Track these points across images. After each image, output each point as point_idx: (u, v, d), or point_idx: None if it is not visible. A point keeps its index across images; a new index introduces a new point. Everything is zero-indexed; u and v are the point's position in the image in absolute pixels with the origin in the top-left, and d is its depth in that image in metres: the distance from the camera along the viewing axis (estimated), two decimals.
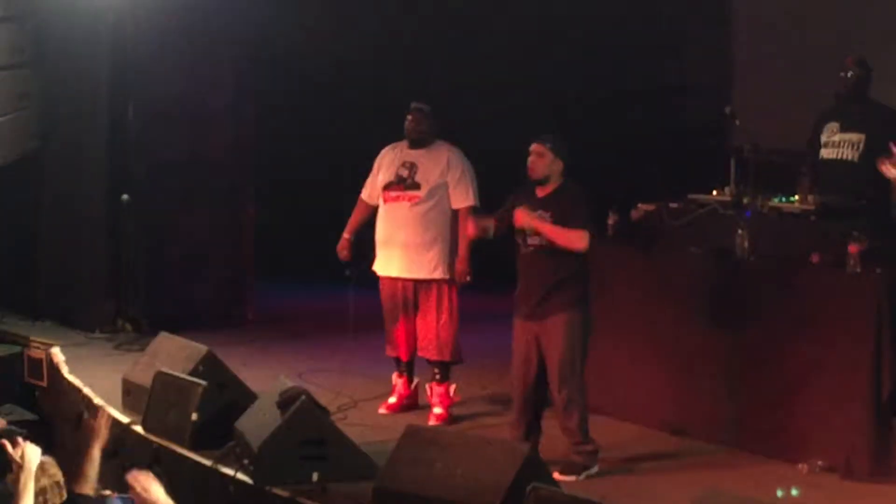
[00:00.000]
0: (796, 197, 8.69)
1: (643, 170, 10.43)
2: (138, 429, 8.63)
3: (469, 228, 8.37)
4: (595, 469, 7.94)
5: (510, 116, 12.32)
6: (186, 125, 11.39)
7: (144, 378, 8.89)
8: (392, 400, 9.32)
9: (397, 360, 9.29)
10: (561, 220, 7.87)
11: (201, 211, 11.49)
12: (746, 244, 8.41)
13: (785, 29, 11.15)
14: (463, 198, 9.00)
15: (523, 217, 7.91)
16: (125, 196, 11.09)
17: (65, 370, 9.99)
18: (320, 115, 13.29)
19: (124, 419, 8.82)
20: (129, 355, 10.16)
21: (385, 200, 9.17)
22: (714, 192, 8.89)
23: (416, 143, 9.11)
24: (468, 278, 8.97)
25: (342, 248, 9.33)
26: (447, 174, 9.01)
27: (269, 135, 12.33)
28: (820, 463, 7.89)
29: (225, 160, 11.54)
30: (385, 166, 9.20)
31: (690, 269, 8.69)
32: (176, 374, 8.66)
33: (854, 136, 9.10)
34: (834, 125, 9.21)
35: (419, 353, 9.22)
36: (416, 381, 9.35)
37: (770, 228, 8.49)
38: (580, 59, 12.61)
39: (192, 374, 8.65)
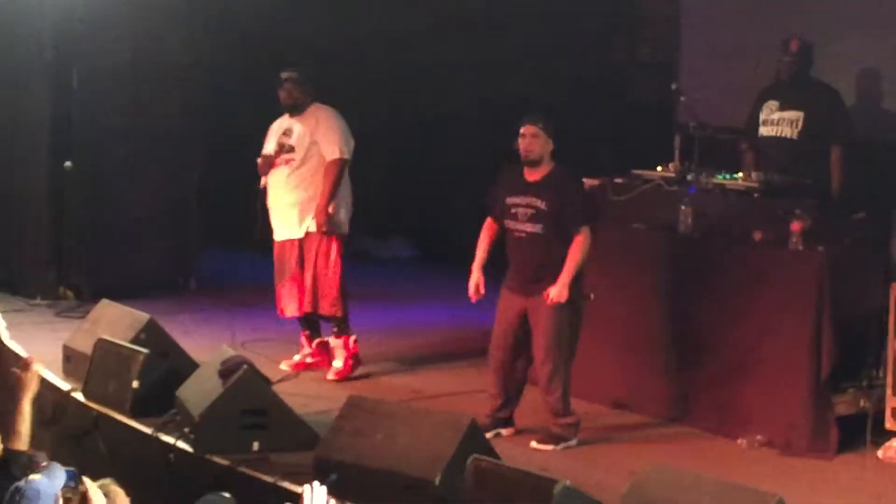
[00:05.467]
0: (740, 174, 8.74)
1: (589, 145, 10.39)
2: (79, 396, 8.57)
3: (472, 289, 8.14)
4: (574, 441, 8.00)
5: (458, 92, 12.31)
6: (133, 92, 11.28)
7: (85, 345, 8.84)
8: (296, 358, 9.41)
9: (298, 319, 9.40)
10: (553, 207, 7.87)
11: (146, 179, 11.38)
12: (690, 220, 8.44)
13: (732, 6, 11.17)
14: (330, 151, 9.14)
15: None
16: (68, 163, 11.00)
17: (5, 336, 9.88)
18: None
19: (65, 386, 8.75)
20: (70, 322, 10.08)
21: (272, 167, 9.33)
22: (659, 168, 8.92)
23: (292, 110, 9.30)
24: (325, 228, 9.07)
25: None
26: (317, 133, 9.16)
27: (224, 102, 12.21)
28: (759, 438, 7.95)
29: (173, 127, 11.45)
30: (270, 138, 9.39)
31: (634, 245, 8.72)
32: (117, 341, 8.62)
33: (793, 115, 9.16)
34: (773, 103, 9.27)
35: (309, 310, 9.30)
36: (317, 340, 9.44)
37: (714, 205, 8.53)
38: (531, 35, 12.58)
39: (133, 341, 8.62)
